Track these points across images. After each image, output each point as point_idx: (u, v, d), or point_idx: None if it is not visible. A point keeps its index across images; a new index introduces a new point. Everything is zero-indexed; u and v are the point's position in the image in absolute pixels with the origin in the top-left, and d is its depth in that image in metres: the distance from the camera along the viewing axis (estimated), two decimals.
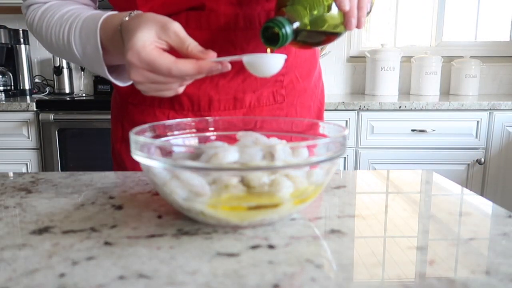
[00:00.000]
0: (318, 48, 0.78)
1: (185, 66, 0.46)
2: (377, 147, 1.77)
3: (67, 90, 2.15)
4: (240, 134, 0.45)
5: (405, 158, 1.77)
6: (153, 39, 0.46)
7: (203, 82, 0.66)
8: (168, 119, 0.67)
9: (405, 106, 1.72)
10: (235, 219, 0.36)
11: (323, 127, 0.46)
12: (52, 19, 0.59)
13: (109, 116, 0.78)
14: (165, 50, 0.47)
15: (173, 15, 0.55)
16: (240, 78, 0.67)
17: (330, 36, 0.54)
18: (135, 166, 0.67)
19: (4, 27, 2.04)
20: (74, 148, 1.78)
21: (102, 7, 0.66)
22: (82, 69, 2.23)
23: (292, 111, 0.73)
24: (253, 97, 0.69)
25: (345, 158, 1.79)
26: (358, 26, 0.53)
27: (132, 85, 0.68)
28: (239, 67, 0.67)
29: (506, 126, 1.76)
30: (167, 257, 0.31)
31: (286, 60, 0.70)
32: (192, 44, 0.47)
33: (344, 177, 0.55)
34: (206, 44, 0.61)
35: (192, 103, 0.67)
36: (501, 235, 0.36)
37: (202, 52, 0.47)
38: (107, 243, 0.34)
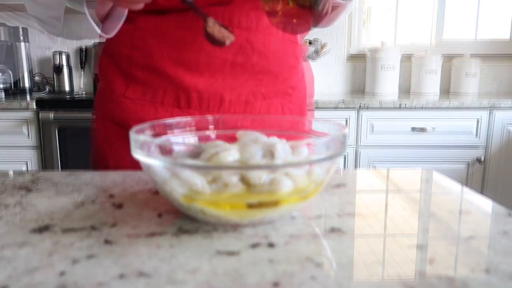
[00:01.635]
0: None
1: None
2: (377, 146, 1.77)
3: (67, 89, 2.15)
4: (240, 133, 0.45)
5: (405, 157, 1.77)
6: None
7: (216, 81, 0.63)
8: (172, 117, 0.64)
9: (405, 105, 1.72)
10: (235, 217, 0.36)
11: (323, 126, 0.46)
12: None
13: None
14: None
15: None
16: (253, 82, 0.65)
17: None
18: (120, 163, 0.66)
19: (4, 25, 2.04)
20: (74, 147, 1.78)
21: None
22: (82, 68, 2.23)
23: None
24: (263, 105, 0.67)
25: (345, 157, 1.79)
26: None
27: (129, 78, 0.66)
28: (253, 71, 0.65)
29: (506, 124, 1.76)
30: (167, 256, 0.31)
31: (297, 74, 0.69)
32: None
33: (344, 176, 0.55)
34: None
35: (201, 101, 0.64)
36: (501, 233, 0.36)
37: None
38: (107, 242, 0.34)
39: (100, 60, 0.69)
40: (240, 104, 0.65)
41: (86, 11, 0.55)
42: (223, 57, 0.62)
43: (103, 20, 0.61)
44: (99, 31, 0.59)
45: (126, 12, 0.61)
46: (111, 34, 0.62)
